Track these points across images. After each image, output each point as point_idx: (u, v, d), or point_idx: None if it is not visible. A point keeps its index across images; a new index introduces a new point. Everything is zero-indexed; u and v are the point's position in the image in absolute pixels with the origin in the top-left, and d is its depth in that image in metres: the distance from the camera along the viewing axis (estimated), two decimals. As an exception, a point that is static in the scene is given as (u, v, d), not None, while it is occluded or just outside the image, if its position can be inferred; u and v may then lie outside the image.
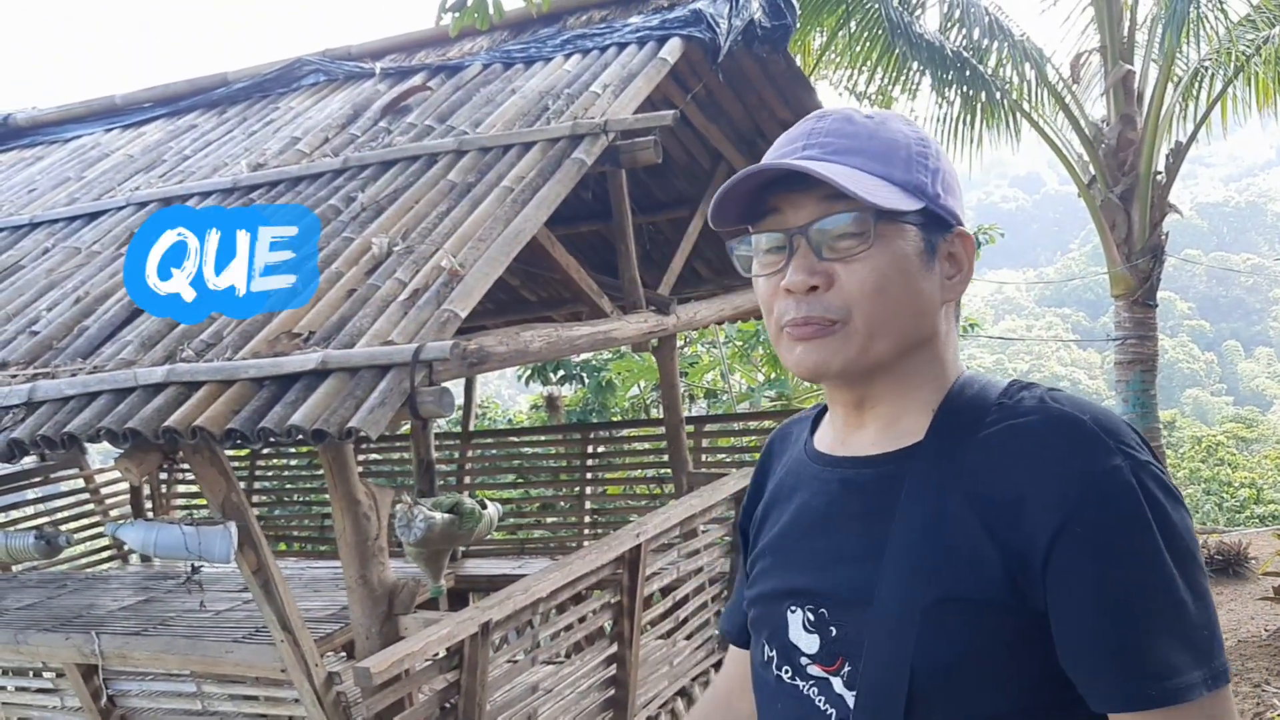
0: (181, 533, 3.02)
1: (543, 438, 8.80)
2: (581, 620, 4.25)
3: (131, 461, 2.91)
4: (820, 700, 1.01)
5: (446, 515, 3.93)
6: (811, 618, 1.02)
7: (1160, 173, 7.97)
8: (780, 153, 1.04)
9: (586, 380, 10.95)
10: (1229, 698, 0.90)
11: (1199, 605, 0.88)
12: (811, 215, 1.00)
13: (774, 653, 1.07)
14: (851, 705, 0.98)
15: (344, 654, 5.20)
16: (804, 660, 1.03)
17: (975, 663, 0.91)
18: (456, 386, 8.32)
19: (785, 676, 1.05)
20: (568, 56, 4.63)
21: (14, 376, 3.29)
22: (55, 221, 4.63)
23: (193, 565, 4.39)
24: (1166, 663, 0.86)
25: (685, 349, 11.08)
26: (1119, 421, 0.94)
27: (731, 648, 1.30)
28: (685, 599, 4.91)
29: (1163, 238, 8.07)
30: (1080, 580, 0.88)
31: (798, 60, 8.19)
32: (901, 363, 1.01)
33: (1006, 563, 0.90)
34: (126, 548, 7.12)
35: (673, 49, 4.35)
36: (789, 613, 1.05)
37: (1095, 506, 0.88)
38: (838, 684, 1.00)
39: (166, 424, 2.77)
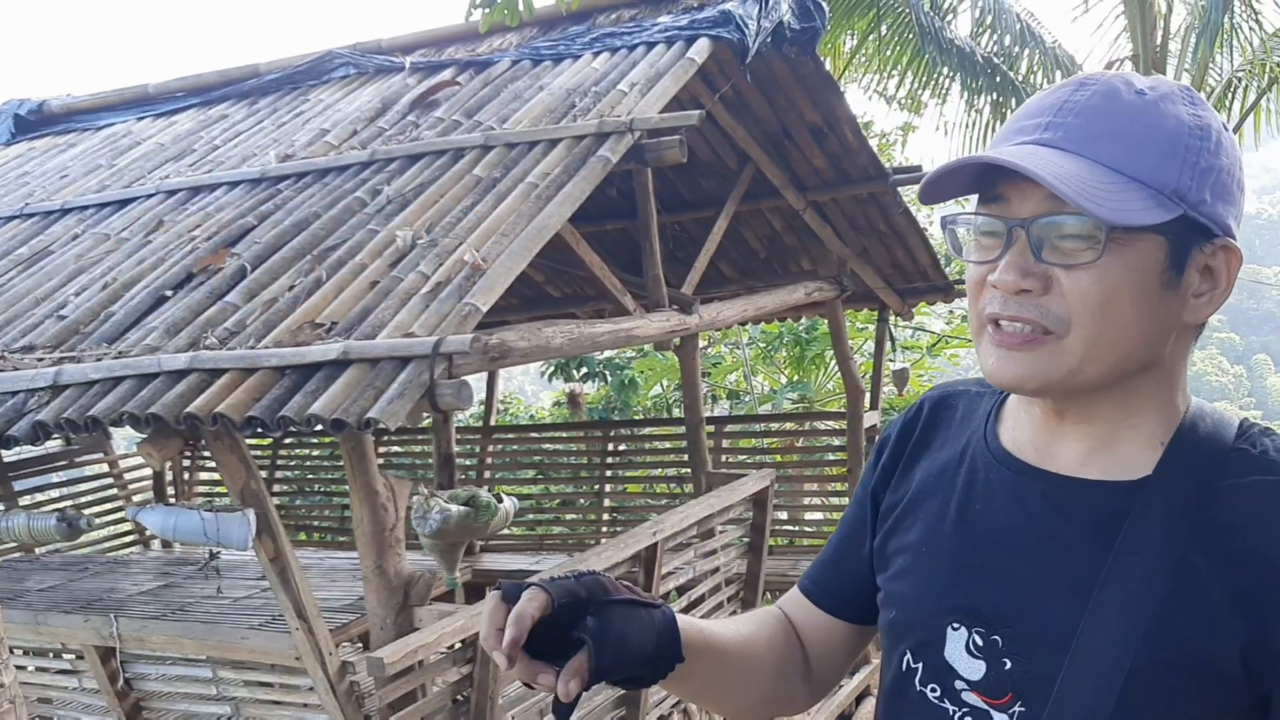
0: (200, 518, 3.05)
1: (564, 434, 8.82)
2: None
3: (153, 446, 2.94)
4: None
5: (462, 508, 3.95)
6: (980, 642, 0.93)
7: (1192, 183, 7.88)
8: (1020, 126, 0.91)
9: (609, 378, 10.96)
10: None
11: None
12: (1036, 210, 0.87)
13: (919, 666, 0.98)
14: None
15: (360, 644, 5.23)
16: (959, 685, 0.94)
17: None
18: (479, 381, 8.35)
19: (931, 695, 0.97)
20: (596, 55, 4.63)
21: (40, 360, 3.33)
22: (85, 208, 4.68)
23: (210, 551, 4.43)
24: None
25: (709, 349, 11.07)
26: None
27: (800, 597, 1.17)
28: (701, 599, 4.90)
29: (1192, 249, 7.99)
30: None
31: (828, 63, 8.17)
32: (1120, 385, 0.90)
33: (1244, 634, 0.81)
34: (148, 532, 7.19)
35: (701, 49, 4.35)
36: (949, 629, 0.95)
37: None
38: None
39: (188, 410, 2.80)
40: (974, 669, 0.93)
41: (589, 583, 0.90)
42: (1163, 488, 0.88)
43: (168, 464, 7.64)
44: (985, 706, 0.92)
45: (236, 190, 4.30)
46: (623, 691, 4.38)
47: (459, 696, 3.58)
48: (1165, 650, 0.83)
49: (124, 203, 4.58)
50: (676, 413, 10.16)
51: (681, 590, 4.82)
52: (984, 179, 0.90)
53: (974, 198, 0.94)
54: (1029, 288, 0.87)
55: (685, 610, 4.86)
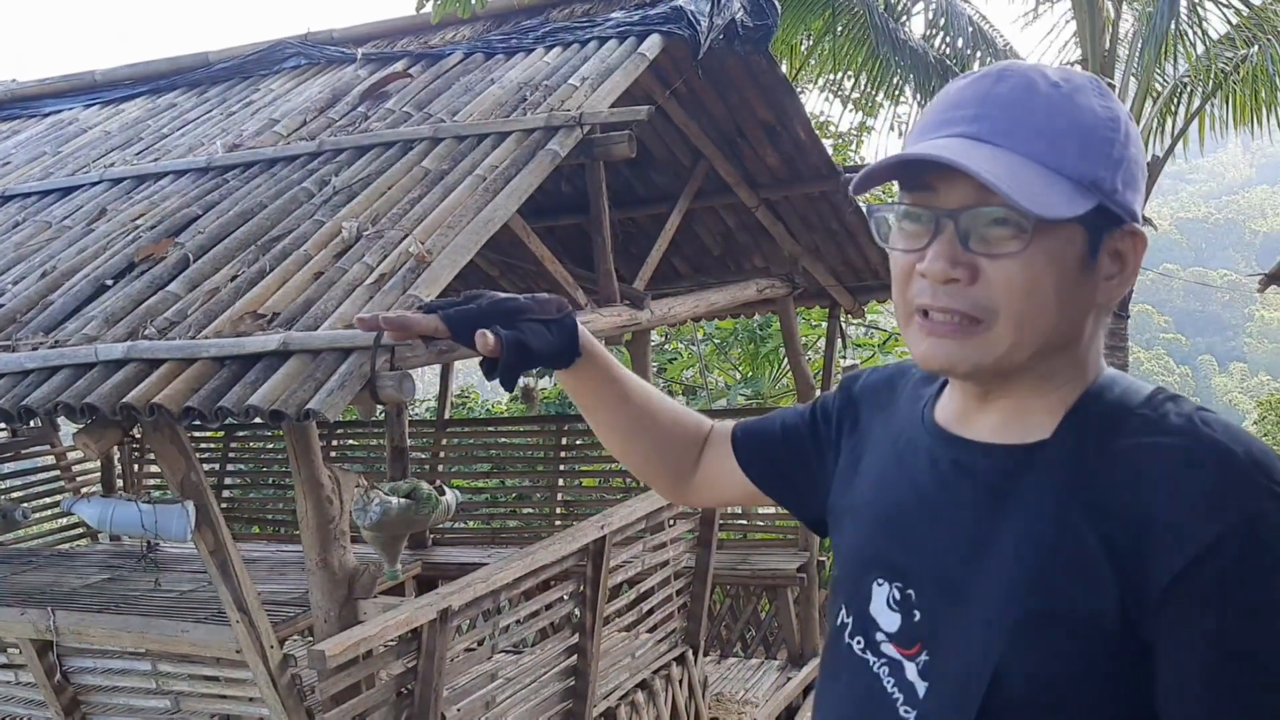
0: (139, 510, 3.02)
1: (518, 428, 8.80)
2: (549, 607, 4.27)
3: (90, 437, 2.91)
4: (889, 682, 0.97)
5: (403, 500, 3.94)
6: (898, 596, 0.97)
7: (1137, 186, 8.04)
8: (946, 117, 0.93)
9: (565, 374, 10.91)
10: None
11: None
12: (963, 200, 0.90)
13: (850, 620, 1.03)
14: (921, 695, 0.94)
15: (310, 638, 5.20)
16: (880, 637, 0.99)
17: (1065, 682, 0.86)
18: (433, 375, 8.32)
19: (857, 648, 1.01)
20: (548, 49, 4.64)
21: (-24, 348, 3.27)
22: (28, 195, 4.60)
23: (148, 543, 4.38)
24: None
25: (666, 345, 11.11)
26: (1276, 458, 0.84)
27: (725, 435, 1.31)
28: (650, 592, 4.93)
29: (1138, 250, 8.14)
30: (1196, 630, 0.81)
31: (784, 63, 8.23)
32: (1039, 364, 0.94)
33: (1121, 588, 0.83)
34: (94, 525, 7.08)
35: (652, 45, 4.37)
36: (875, 585, 1.00)
37: (1232, 553, 0.79)
38: (911, 670, 0.95)
39: (125, 400, 2.77)
40: (892, 622, 0.98)
41: (488, 309, 1.12)
42: (1056, 449, 0.92)
43: (116, 456, 7.53)
44: (900, 657, 0.97)
45: (182, 179, 4.25)
46: (571, 683, 4.40)
47: (403, 689, 3.58)
48: (1045, 603, 0.86)
49: (67, 190, 4.52)
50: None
51: (631, 583, 4.85)
52: (910, 167, 0.92)
53: (895, 186, 0.98)
54: (957, 277, 0.90)
55: (635, 602, 4.89)
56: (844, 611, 1.04)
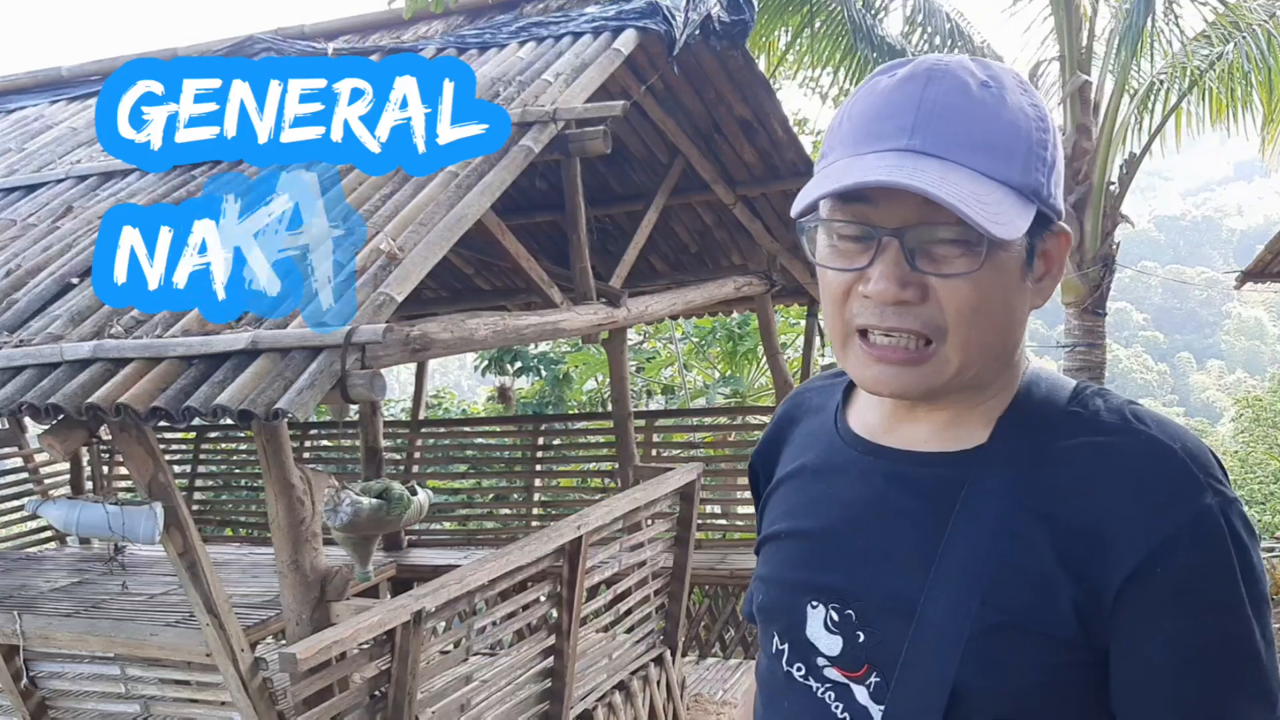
0: (105, 512, 2.96)
1: (495, 429, 8.76)
2: (526, 608, 4.23)
3: (55, 438, 2.85)
4: (837, 706, 0.94)
5: (374, 500, 3.90)
6: (836, 618, 0.94)
7: (1113, 183, 8.07)
8: (878, 128, 0.87)
9: (544, 372, 10.91)
10: None
11: (1269, 652, 0.82)
12: (907, 218, 0.85)
13: (785, 646, 0.99)
14: (877, 719, 0.91)
15: (284, 640, 5.14)
16: (821, 661, 0.95)
17: (1026, 694, 0.85)
18: (408, 375, 8.25)
19: (797, 674, 0.98)
20: (522, 44, 4.59)
21: (-63, 348, 3.20)
22: (-8, 192, 4.52)
23: (115, 546, 4.31)
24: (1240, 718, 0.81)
25: (643, 344, 11.08)
26: (1207, 451, 0.85)
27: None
28: (627, 592, 4.90)
29: (1114, 248, 8.18)
30: (1154, 628, 0.81)
31: (762, 59, 8.22)
32: (979, 374, 0.91)
33: (1076, 595, 0.83)
34: (64, 528, 6.97)
35: (627, 40, 4.34)
36: (809, 608, 0.96)
37: (1183, 550, 0.80)
38: (861, 693, 0.92)
39: (90, 400, 2.71)
40: (833, 645, 0.94)
41: None
42: (996, 454, 0.89)
43: (84, 457, 7.44)
44: (845, 680, 0.93)
45: (149, 176, 4.18)
46: (547, 685, 4.36)
47: (376, 692, 3.53)
48: (1002, 614, 0.84)
49: (32, 188, 4.44)
50: (610, 407, 10.15)
51: (609, 583, 4.81)
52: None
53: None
54: (908, 299, 0.85)
55: (612, 603, 4.85)
56: (777, 639, 1.00)
